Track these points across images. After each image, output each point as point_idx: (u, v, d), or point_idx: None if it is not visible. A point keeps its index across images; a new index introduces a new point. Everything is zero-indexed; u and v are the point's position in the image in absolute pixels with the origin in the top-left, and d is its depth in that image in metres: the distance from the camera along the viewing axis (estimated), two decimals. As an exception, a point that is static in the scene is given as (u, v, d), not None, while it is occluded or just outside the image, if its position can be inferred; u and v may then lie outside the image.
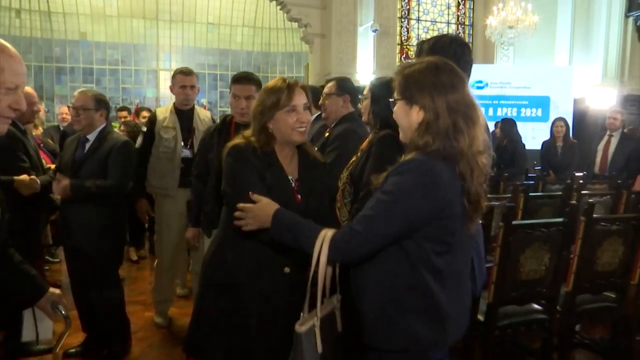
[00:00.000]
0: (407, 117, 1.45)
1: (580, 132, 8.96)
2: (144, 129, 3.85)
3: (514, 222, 2.27)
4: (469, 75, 1.98)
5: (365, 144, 2.48)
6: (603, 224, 2.53)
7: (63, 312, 1.54)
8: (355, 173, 2.41)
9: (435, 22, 13.11)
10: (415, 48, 2.12)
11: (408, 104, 1.44)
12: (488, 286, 2.33)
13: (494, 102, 10.68)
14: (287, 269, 1.77)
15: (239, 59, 13.28)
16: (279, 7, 11.21)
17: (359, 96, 2.68)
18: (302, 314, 1.53)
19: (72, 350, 3.04)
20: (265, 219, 1.53)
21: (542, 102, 10.50)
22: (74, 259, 2.96)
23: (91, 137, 2.92)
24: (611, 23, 9.74)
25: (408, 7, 12.74)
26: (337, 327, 1.63)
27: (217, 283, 1.82)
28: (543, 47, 11.16)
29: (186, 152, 3.40)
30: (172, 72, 3.58)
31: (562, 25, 10.84)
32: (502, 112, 10.49)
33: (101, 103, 2.93)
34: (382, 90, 2.43)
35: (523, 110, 10.62)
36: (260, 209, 1.56)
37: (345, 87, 2.90)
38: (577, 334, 2.99)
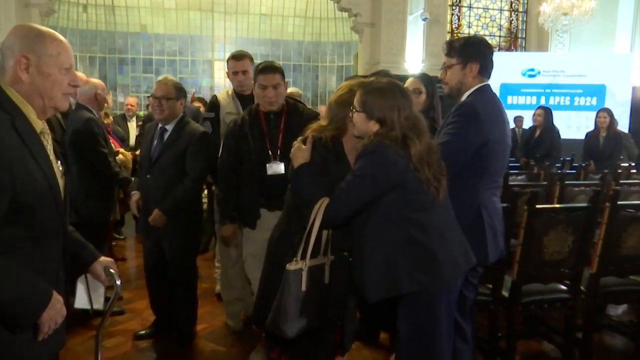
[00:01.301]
0: (365, 125, 1.87)
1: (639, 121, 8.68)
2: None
3: (537, 206, 2.43)
4: (490, 73, 2.23)
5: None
6: (630, 210, 2.63)
7: (115, 276, 1.60)
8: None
9: (488, 9, 12.88)
10: (445, 46, 2.33)
11: (367, 117, 1.85)
12: (512, 264, 2.51)
13: (546, 90, 10.47)
14: (345, 253, 2.01)
15: (290, 49, 13.59)
16: (329, -3, 11.42)
17: None
18: (294, 259, 1.93)
19: (143, 332, 3.14)
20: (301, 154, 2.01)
21: (598, 91, 10.19)
22: (153, 241, 2.99)
23: (169, 127, 2.93)
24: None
25: (459, -6, 12.62)
26: (325, 279, 2.02)
27: (282, 263, 1.99)
28: (601, 34, 10.79)
29: None
30: (225, 63, 3.48)
31: (623, 10, 10.44)
32: (554, 101, 10.28)
33: (181, 92, 2.95)
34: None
35: (577, 99, 10.35)
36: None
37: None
38: (604, 315, 3.10)
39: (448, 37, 12.17)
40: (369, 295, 1.83)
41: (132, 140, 5.82)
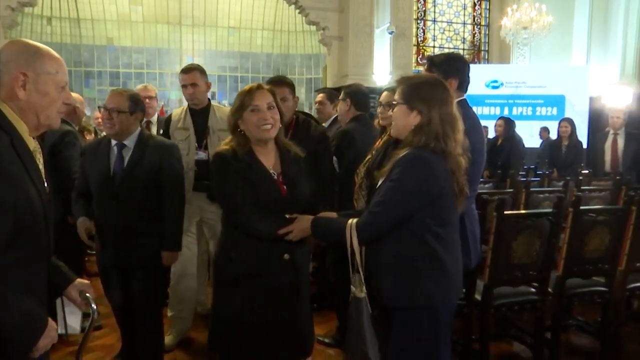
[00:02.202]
0: (405, 119, 1.81)
1: (596, 130, 9.08)
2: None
3: (506, 212, 2.55)
4: (467, 87, 2.35)
5: (379, 143, 2.81)
6: (591, 214, 2.79)
7: (91, 301, 1.52)
8: (372, 169, 2.74)
9: (452, 22, 13.29)
10: (425, 62, 2.46)
11: (409, 108, 1.79)
12: (484, 268, 2.61)
13: (509, 101, 10.84)
14: (286, 256, 1.98)
15: (259, 61, 13.67)
16: (297, 11, 11.55)
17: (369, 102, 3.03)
18: (352, 286, 1.85)
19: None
20: (307, 228, 1.93)
21: (558, 101, 10.63)
22: (120, 278, 2.66)
23: (129, 142, 2.56)
24: (629, 21, 9.82)
25: (424, 8, 12.96)
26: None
27: (226, 279, 2.03)
28: (559, 47, 11.27)
29: (201, 155, 3.10)
30: None
31: (579, 25, 10.93)
32: (517, 111, 10.66)
33: (137, 105, 2.57)
34: None
35: (538, 109, 10.76)
36: (301, 223, 1.94)
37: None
38: (570, 316, 3.24)
39: (414, 49, 12.49)
40: (386, 302, 1.84)
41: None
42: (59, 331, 1.55)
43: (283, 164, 2.06)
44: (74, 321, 1.65)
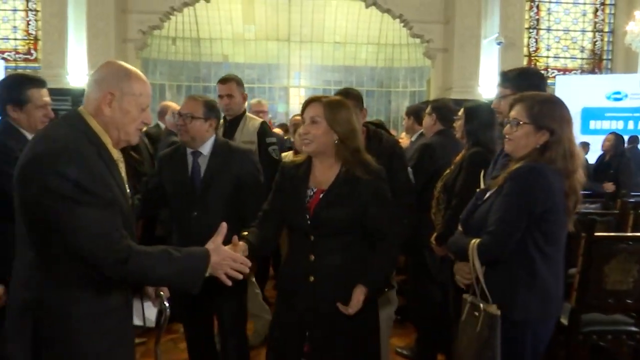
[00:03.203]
0: (529, 138, 1.79)
1: None
2: None
3: (596, 234, 2.39)
4: None
5: (458, 157, 2.79)
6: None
7: (164, 298, 1.67)
8: (449, 183, 2.73)
9: (569, 30, 12.45)
10: (499, 77, 2.40)
11: (536, 128, 1.78)
12: (571, 292, 2.47)
13: (635, 114, 9.88)
14: (311, 278, 1.95)
15: (363, 75, 13.85)
16: (402, 24, 11.58)
17: (454, 117, 2.99)
18: (480, 305, 1.80)
19: None
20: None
21: (693, 115, 9.49)
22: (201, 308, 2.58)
23: (204, 150, 2.46)
24: None
25: (537, 17, 12.29)
26: None
27: (280, 287, 2.18)
28: (698, 53, 10.08)
29: None
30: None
31: None
32: (643, 126, 9.68)
33: (212, 111, 2.47)
34: (475, 112, 2.74)
35: (668, 124, 9.68)
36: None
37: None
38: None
39: (525, 60, 11.88)
40: None
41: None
42: (138, 323, 1.74)
43: (334, 182, 1.95)
44: (150, 314, 1.77)
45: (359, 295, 1.88)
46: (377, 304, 2.11)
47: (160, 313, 1.74)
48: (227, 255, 1.55)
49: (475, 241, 1.80)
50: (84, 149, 1.42)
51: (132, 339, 1.65)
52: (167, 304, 1.69)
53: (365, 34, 13.47)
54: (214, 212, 2.30)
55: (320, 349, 1.95)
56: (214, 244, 1.56)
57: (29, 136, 2.23)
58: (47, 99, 2.32)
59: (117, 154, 1.54)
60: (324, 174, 1.98)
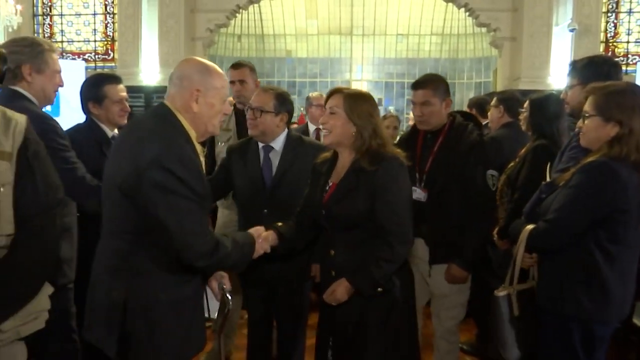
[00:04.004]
0: (599, 131, 1.74)
1: None
2: None
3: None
4: None
5: (523, 150, 2.72)
6: None
7: (227, 291, 1.71)
8: (512, 177, 2.68)
9: (653, 12, 11.57)
10: (568, 67, 2.30)
11: (604, 120, 1.72)
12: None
13: None
14: (333, 272, 1.96)
15: (427, 67, 13.60)
16: (467, 14, 11.24)
17: (519, 109, 2.90)
18: (502, 285, 1.91)
19: None
20: None
21: None
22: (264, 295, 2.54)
23: (277, 145, 2.34)
24: None
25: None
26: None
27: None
28: None
29: None
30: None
31: None
32: None
33: (284, 105, 2.32)
34: (540, 103, 2.65)
35: None
36: None
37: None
38: None
39: (602, 47, 11.18)
40: (539, 302, 1.86)
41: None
42: (204, 314, 1.80)
43: (344, 176, 1.92)
44: (214, 306, 1.84)
45: (337, 285, 1.87)
46: (410, 304, 2.01)
47: (223, 304, 1.79)
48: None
49: (530, 227, 1.78)
50: (185, 147, 1.51)
51: (204, 327, 1.74)
52: (229, 297, 1.74)
53: (429, 24, 13.23)
54: (285, 211, 2.14)
55: (342, 349, 1.96)
56: (257, 232, 1.82)
57: (109, 131, 2.40)
58: (124, 94, 2.44)
59: (200, 148, 1.61)
60: (344, 167, 1.95)
